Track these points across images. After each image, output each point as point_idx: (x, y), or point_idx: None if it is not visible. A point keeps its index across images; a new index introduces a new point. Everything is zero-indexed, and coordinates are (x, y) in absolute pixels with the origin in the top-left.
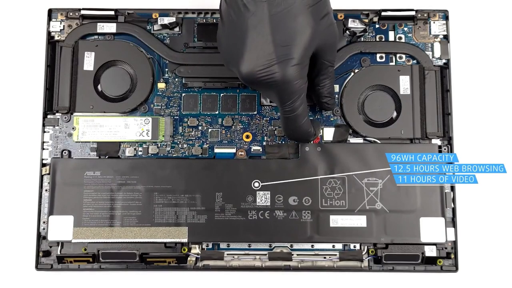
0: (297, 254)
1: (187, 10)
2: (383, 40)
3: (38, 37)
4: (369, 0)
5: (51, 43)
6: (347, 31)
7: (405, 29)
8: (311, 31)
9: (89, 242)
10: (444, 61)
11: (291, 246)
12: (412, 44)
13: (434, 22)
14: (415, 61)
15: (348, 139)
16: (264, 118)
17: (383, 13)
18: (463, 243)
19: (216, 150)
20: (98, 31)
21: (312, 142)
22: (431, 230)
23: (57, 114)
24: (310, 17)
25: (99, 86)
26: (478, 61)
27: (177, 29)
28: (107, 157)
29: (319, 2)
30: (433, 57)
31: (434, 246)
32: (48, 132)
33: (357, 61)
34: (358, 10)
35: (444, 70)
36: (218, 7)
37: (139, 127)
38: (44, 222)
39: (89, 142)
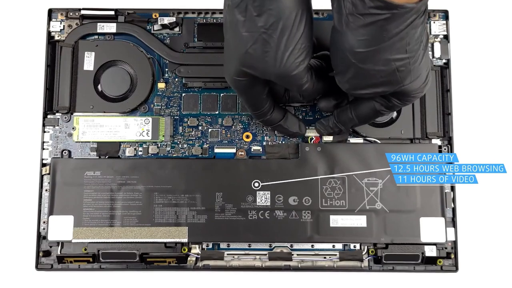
0: (297, 254)
1: (187, 10)
2: None
3: (38, 37)
4: None
5: (51, 43)
6: None
7: None
8: None
9: (89, 242)
10: (444, 61)
11: (291, 246)
12: None
13: (434, 22)
14: None
15: (348, 139)
16: None
17: None
18: (463, 243)
19: (216, 150)
20: (98, 31)
21: (312, 142)
22: (431, 230)
23: (57, 114)
24: None
25: (99, 86)
26: (478, 61)
27: (177, 29)
28: (107, 157)
29: None
30: (433, 57)
31: (434, 246)
32: (48, 132)
33: None
34: None
35: (444, 70)
36: (217, 7)
37: (139, 127)
38: (44, 222)
39: (89, 142)
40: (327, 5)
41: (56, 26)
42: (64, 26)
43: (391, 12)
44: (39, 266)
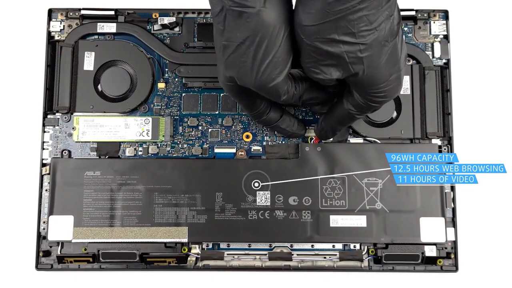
0: (297, 254)
1: (187, 10)
2: None
3: (38, 37)
4: None
5: (51, 43)
6: None
7: (405, 29)
8: None
9: (89, 242)
10: (444, 61)
11: (291, 246)
12: (412, 44)
13: (434, 22)
14: (415, 61)
15: (348, 139)
16: None
17: None
18: (463, 243)
19: (216, 150)
20: (98, 31)
21: (312, 142)
22: (431, 230)
23: (57, 114)
24: None
25: (99, 86)
26: (478, 61)
27: (177, 29)
28: (107, 157)
29: None
30: (433, 57)
31: (434, 246)
32: (48, 132)
33: None
34: None
35: (444, 70)
36: None
37: (139, 127)
38: (44, 222)
39: (89, 142)
40: None
41: (56, 26)
42: (64, 26)
43: None
44: (39, 266)
